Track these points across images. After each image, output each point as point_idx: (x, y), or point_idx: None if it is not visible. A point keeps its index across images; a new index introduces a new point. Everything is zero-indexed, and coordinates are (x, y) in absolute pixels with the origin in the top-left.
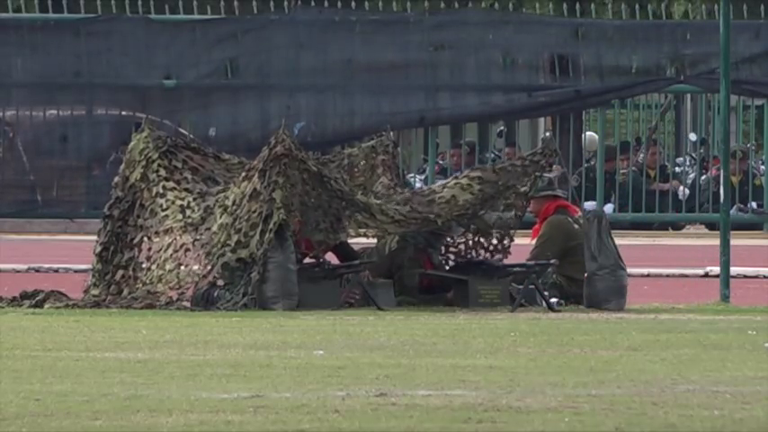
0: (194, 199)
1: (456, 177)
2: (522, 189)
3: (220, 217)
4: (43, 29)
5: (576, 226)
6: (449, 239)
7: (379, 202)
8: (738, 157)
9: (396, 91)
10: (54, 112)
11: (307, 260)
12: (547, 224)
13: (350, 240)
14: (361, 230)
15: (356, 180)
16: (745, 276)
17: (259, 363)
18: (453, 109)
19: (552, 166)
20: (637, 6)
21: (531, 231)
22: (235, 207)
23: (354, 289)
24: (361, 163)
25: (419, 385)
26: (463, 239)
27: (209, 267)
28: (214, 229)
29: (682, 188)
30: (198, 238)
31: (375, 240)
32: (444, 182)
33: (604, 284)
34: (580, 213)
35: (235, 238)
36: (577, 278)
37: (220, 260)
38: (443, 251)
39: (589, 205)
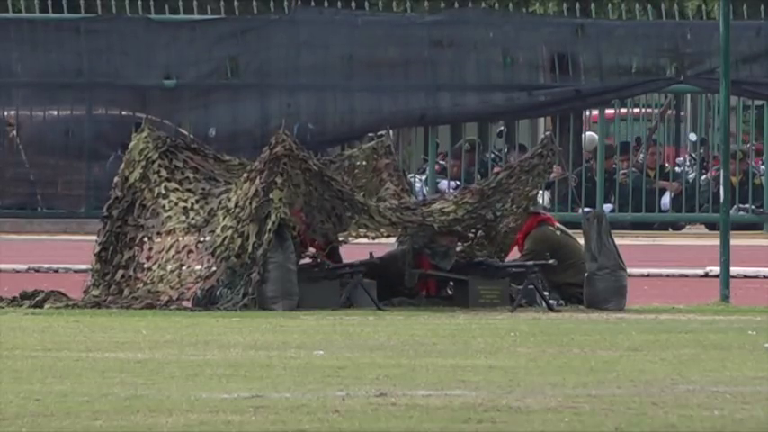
0: (197, 201)
1: (448, 198)
2: (527, 191)
3: (223, 219)
4: (44, 28)
5: (559, 233)
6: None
7: (377, 204)
8: (738, 158)
9: (396, 90)
10: (54, 111)
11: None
12: (530, 239)
13: (351, 242)
14: (361, 231)
15: (358, 182)
16: (745, 276)
17: (259, 363)
18: (453, 108)
19: (552, 167)
20: (637, 6)
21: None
22: (238, 210)
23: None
24: (363, 164)
25: (419, 385)
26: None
27: (213, 269)
28: (217, 231)
29: (668, 192)
30: (201, 240)
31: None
32: (438, 200)
33: (604, 284)
34: (559, 224)
35: (238, 242)
36: (572, 282)
37: (224, 263)
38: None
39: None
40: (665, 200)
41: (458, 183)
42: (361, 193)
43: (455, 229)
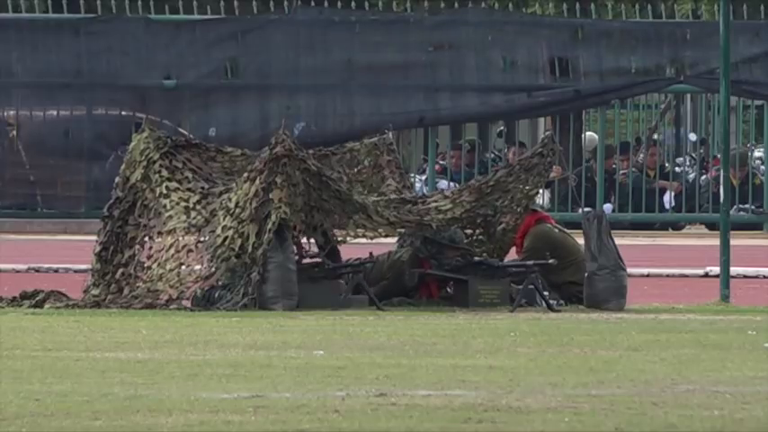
0: (198, 201)
1: (446, 195)
2: (527, 190)
3: (224, 219)
4: (43, 28)
5: (557, 231)
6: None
7: (375, 199)
8: (738, 164)
9: (395, 91)
10: (54, 111)
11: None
12: (529, 236)
13: (350, 241)
14: (359, 231)
15: (360, 176)
16: (745, 276)
17: (259, 363)
18: (453, 109)
19: (552, 167)
20: (637, 7)
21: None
22: (239, 210)
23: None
24: (366, 161)
25: (419, 385)
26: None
27: (213, 269)
28: (218, 231)
29: (669, 192)
30: (202, 240)
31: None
32: (435, 195)
33: (604, 284)
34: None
35: (238, 242)
36: (572, 281)
37: (224, 264)
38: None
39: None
40: (667, 198)
41: (457, 185)
42: (365, 191)
43: (464, 246)
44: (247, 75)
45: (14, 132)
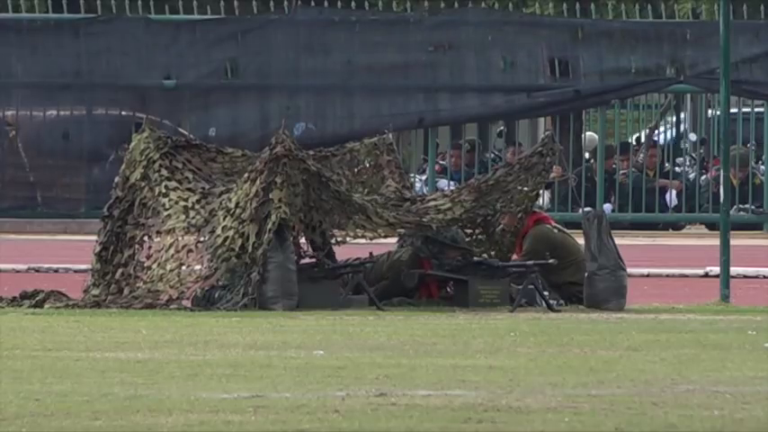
0: (198, 200)
1: (446, 194)
2: (525, 189)
3: (224, 219)
4: (43, 29)
5: (556, 231)
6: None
7: (372, 198)
8: (739, 164)
9: (395, 92)
10: (54, 112)
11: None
12: (528, 238)
13: (349, 241)
14: (359, 231)
15: (360, 177)
16: (745, 276)
17: (259, 363)
18: (453, 110)
19: (552, 167)
20: (637, 7)
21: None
22: (239, 210)
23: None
24: (366, 161)
25: (419, 385)
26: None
27: (213, 269)
28: (218, 231)
29: (670, 191)
30: (201, 240)
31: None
32: (435, 196)
33: (604, 284)
34: (555, 222)
35: (239, 242)
36: (572, 281)
37: (225, 264)
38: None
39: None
40: (668, 197)
41: (457, 184)
42: (365, 191)
43: (465, 246)
44: (247, 75)
45: (14, 133)
